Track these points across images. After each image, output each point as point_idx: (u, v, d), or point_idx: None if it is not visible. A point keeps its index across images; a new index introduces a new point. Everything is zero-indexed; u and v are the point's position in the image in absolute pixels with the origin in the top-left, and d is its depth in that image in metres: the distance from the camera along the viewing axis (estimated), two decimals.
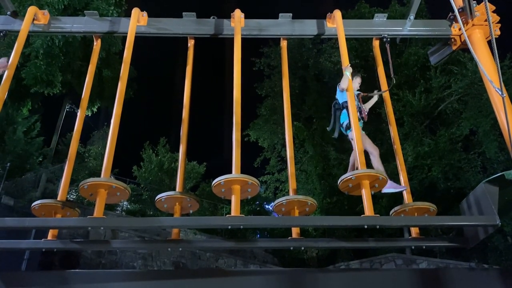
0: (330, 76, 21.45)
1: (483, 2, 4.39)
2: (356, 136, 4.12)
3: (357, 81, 5.24)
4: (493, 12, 4.66)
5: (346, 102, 4.70)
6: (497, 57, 3.21)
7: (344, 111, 4.91)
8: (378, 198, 17.21)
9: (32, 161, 18.96)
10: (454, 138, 18.24)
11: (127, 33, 4.81)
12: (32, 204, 4.12)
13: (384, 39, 5.15)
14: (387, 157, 12.04)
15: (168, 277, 4.83)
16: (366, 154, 4.35)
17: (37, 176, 17.25)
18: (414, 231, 4.49)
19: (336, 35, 4.99)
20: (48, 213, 4.14)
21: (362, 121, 4.91)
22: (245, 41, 4.98)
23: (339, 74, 4.67)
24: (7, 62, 4.44)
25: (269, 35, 5.36)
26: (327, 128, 5.15)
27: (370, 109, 5.27)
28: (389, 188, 4.40)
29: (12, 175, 16.35)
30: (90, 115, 24.60)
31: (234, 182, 3.79)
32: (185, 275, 5.11)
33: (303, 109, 22.74)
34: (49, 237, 4.36)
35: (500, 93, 3.32)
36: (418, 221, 4.19)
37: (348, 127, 4.83)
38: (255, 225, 5.12)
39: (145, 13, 5.13)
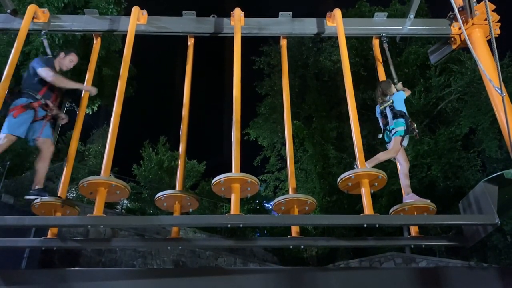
0: (330, 75, 21.44)
1: (483, 1, 4.40)
2: (356, 133, 4.12)
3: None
4: (493, 11, 4.66)
5: (402, 111, 4.61)
6: (497, 57, 3.21)
7: (401, 119, 4.62)
8: (377, 197, 17.22)
9: (32, 160, 18.88)
10: (454, 137, 18.22)
11: (127, 32, 4.81)
12: (32, 203, 4.13)
13: (384, 38, 5.15)
14: None
15: (168, 276, 4.83)
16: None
17: None
18: (414, 230, 4.50)
19: (336, 34, 4.99)
20: (48, 212, 4.15)
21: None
22: (245, 39, 4.98)
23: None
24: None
25: (269, 34, 5.36)
26: (379, 136, 4.87)
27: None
28: (410, 199, 4.38)
29: (12, 173, 16.33)
30: (90, 113, 24.58)
31: (233, 181, 3.80)
32: (184, 274, 5.13)
33: (303, 108, 22.73)
34: (49, 235, 4.37)
35: (500, 92, 3.32)
36: (418, 220, 4.20)
37: (401, 134, 4.55)
38: (254, 224, 5.12)
39: (145, 12, 5.13)
